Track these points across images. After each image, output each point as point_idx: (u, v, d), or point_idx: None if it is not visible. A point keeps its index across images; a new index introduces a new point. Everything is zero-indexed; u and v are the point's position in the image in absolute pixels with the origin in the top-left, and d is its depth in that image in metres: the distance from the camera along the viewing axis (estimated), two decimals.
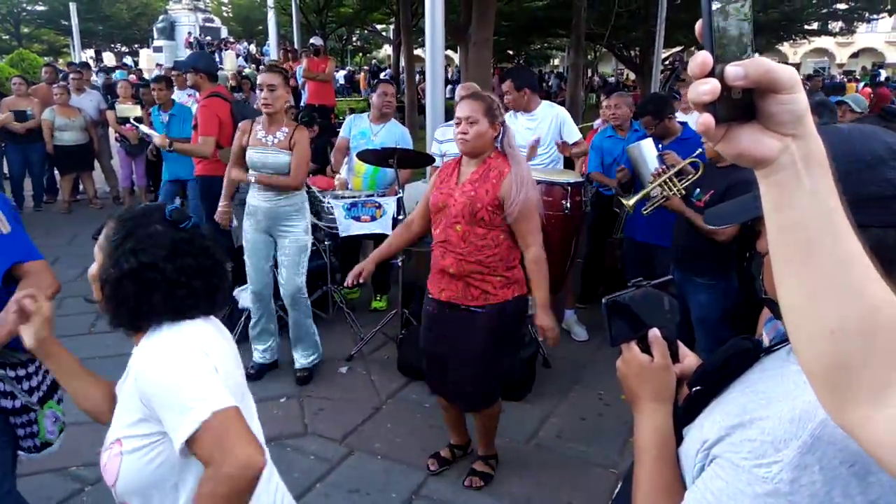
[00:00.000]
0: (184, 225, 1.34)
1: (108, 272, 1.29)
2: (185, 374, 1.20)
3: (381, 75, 20.90)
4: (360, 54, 36.89)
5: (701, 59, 0.57)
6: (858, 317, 0.58)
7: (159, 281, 1.28)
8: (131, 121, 6.62)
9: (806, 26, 18.69)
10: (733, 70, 0.56)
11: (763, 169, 0.60)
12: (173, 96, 6.45)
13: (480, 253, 2.52)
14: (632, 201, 3.59)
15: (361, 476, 2.96)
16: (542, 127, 4.29)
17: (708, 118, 0.57)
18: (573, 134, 4.37)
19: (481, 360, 2.65)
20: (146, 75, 15.51)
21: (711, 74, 0.56)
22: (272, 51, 15.12)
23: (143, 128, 5.52)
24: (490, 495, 2.85)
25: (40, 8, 32.82)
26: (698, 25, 0.57)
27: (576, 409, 3.57)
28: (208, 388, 1.19)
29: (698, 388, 0.98)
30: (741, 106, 0.58)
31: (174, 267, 1.29)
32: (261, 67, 11.82)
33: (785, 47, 29.88)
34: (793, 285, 0.61)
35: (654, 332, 1.02)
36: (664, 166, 3.39)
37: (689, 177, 3.24)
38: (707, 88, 0.56)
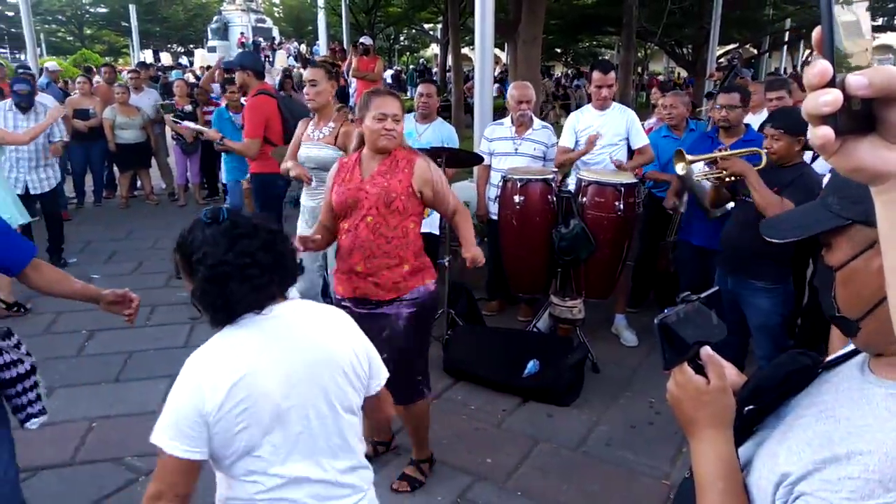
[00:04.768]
0: (221, 219, 1.45)
1: (193, 289, 1.45)
2: (174, 401, 1.39)
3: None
4: (408, 53, 37.10)
5: (820, 68, 0.53)
6: None
7: (231, 271, 1.40)
8: (172, 119, 7.14)
9: (871, 22, 17.91)
10: (856, 80, 0.52)
11: (880, 185, 0.55)
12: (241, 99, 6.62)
13: (389, 244, 2.55)
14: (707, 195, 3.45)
15: None
16: (610, 125, 4.16)
17: (828, 131, 0.53)
18: (640, 138, 4.21)
19: (403, 353, 2.65)
20: (200, 74, 15.92)
21: (831, 84, 0.53)
22: (322, 50, 15.31)
23: (190, 124, 5.97)
24: (536, 503, 2.80)
25: (102, 10, 34.16)
26: (816, 32, 0.54)
27: (625, 415, 3.48)
28: (172, 423, 1.37)
29: (751, 406, 0.92)
30: (861, 117, 0.54)
31: (235, 253, 1.41)
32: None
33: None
34: None
35: (708, 351, 0.95)
36: (718, 153, 3.22)
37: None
38: (829, 99, 0.52)
